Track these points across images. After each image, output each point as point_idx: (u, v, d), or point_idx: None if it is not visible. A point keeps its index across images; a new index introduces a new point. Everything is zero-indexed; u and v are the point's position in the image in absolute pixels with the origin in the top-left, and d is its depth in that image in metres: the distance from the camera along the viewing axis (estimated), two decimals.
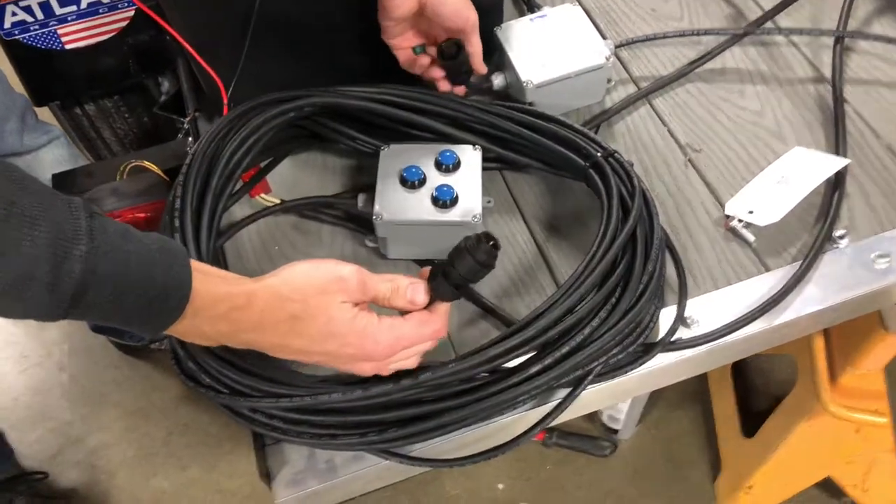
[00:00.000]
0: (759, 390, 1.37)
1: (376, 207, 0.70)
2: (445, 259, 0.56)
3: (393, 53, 0.76)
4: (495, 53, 0.83)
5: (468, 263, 0.55)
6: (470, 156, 0.74)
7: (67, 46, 0.86)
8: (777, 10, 0.87)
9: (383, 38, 0.74)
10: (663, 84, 0.84)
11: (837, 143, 0.78)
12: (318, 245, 0.75)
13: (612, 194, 0.69)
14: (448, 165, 0.73)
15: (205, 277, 0.49)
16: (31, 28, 0.84)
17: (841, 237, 0.71)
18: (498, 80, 0.83)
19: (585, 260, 0.64)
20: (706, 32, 0.85)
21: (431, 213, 0.70)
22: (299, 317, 0.51)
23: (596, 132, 0.81)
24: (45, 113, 1.01)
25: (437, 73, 0.77)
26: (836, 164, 0.74)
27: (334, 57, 0.79)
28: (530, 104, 0.80)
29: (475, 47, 0.74)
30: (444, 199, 0.70)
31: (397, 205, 0.70)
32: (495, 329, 0.68)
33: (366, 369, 0.55)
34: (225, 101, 0.76)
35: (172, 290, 0.47)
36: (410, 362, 0.56)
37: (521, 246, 0.75)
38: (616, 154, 0.72)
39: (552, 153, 0.75)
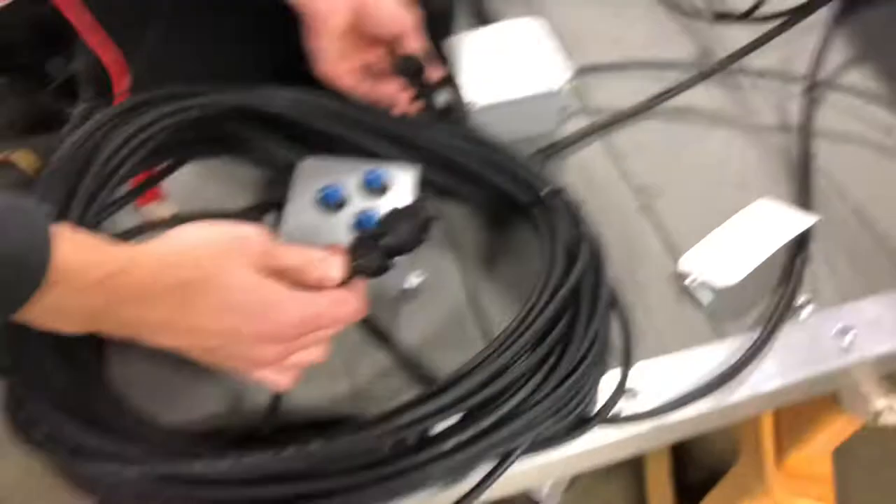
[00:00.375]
0: (696, 461, 1.30)
1: (283, 230, 0.60)
2: (371, 230, 0.52)
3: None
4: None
5: (406, 227, 0.51)
6: (402, 178, 0.65)
7: None
8: (746, 50, 0.80)
9: (318, 71, 0.62)
10: (623, 118, 0.76)
11: (804, 199, 0.71)
12: None
13: (557, 238, 0.61)
14: (376, 187, 0.63)
15: (71, 239, 0.39)
16: None
17: (803, 306, 0.64)
18: (441, 98, 0.74)
19: (522, 312, 0.56)
20: (671, 66, 0.78)
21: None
22: (191, 284, 0.41)
23: (545, 164, 0.73)
24: None
25: (386, 89, 0.65)
26: (802, 221, 0.67)
27: (267, 47, 0.68)
28: (474, 127, 0.71)
29: (413, 49, 0.64)
30: (366, 228, 0.60)
31: (309, 229, 0.60)
32: (410, 386, 0.58)
33: (268, 355, 0.45)
34: (118, 89, 0.65)
35: (27, 253, 0.37)
36: (317, 352, 0.48)
37: (450, 288, 0.65)
38: (564, 192, 0.64)
39: (492, 184, 0.66)
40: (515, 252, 0.68)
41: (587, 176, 0.73)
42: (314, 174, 0.64)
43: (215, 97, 0.60)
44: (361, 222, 0.61)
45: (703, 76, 0.79)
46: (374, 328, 0.61)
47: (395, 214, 0.53)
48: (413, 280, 0.64)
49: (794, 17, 0.74)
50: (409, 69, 0.64)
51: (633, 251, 0.68)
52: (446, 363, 0.59)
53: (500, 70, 0.71)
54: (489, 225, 0.69)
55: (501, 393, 0.52)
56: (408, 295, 0.64)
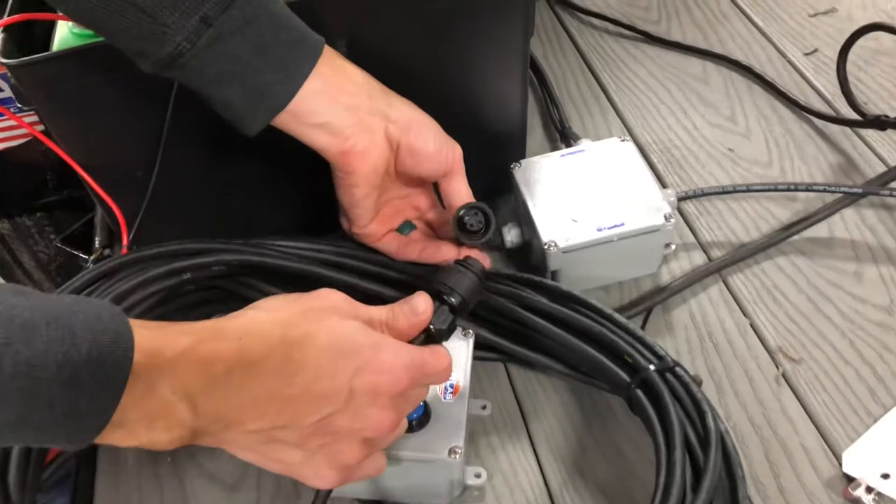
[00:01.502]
0: None
1: None
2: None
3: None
4: (512, 198, 0.61)
5: (466, 280, 0.46)
6: (455, 345, 0.51)
7: None
8: None
9: (355, 235, 0.52)
10: (745, 255, 0.60)
11: None
12: (227, 459, 0.52)
13: (674, 437, 0.45)
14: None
15: (144, 324, 0.33)
16: None
17: None
18: (511, 236, 0.60)
19: None
20: (808, 188, 0.62)
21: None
22: (293, 339, 0.36)
23: (646, 320, 0.57)
24: None
25: (446, 252, 0.52)
26: None
27: (270, 200, 0.58)
28: (553, 274, 0.57)
29: (459, 192, 0.51)
30: (410, 420, 0.46)
31: None
32: None
33: (381, 420, 0.38)
34: (125, 241, 0.55)
35: (108, 344, 0.30)
36: (413, 403, 0.42)
37: (525, 491, 0.49)
38: (678, 368, 0.48)
39: (580, 357, 0.51)
40: (615, 445, 0.51)
41: (703, 333, 0.57)
42: None
43: (217, 256, 0.48)
44: None
45: (852, 198, 0.62)
46: None
47: (449, 271, 0.47)
48: (474, 477, 0.49)
49: None
50: (473, 227, 0.51)
51: (774, 442, 0.50)
52: None
53: (584, 203, 0.57)
54: (578, 401, 0.54)
55: None
56: (470, 497, 0.49)
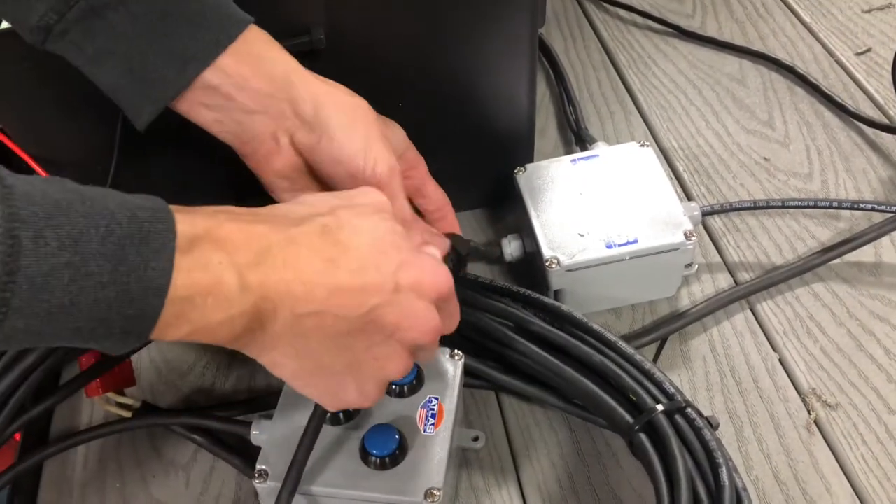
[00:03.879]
0: None
1: (261, 456, 0.41)
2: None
3: None
4: (515, 209, 0.54)
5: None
6: (441, 368, 0.45)
7: None
8: None
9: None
10: (777, 280, 0.53)
11: None
12: (182, 488, 0.47)
13: (680, 492, 0.38)
14: (401, 386, 0.44)
15: (177, 208, 0.30)
16: None
17: None
18: (511, 248, 0.54)
19: None
20: (853, 205, 0.54)
21: (356, 478, 0.40)
22: (336, 227, 0.34)
23: (660, 350, 0.50)
24: None
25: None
26: None
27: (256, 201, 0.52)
28: (556, 293, 0.50)
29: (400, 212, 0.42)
30: (380, 456, 0.40)
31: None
32: None
33: (431, 320, 0.35)
34: None
35: (148, 221, 0.28)
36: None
37: None
38: (689, 410, 0.41)
39: (578, 391, 0.44)
40: (613, 496, 0.45)
41: (725, 368, 0.50)
42: None
43: None
44: (370, 448, 0.41)
45: None
46: None
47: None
48: None
49: None
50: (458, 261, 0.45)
51: (804, 501, 0.43)
52: None
53: (594, 215, 0.51)
54: (574, 439, 0.47)
55: None
56: None
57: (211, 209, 0.31)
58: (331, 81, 0.41)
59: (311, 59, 0.46)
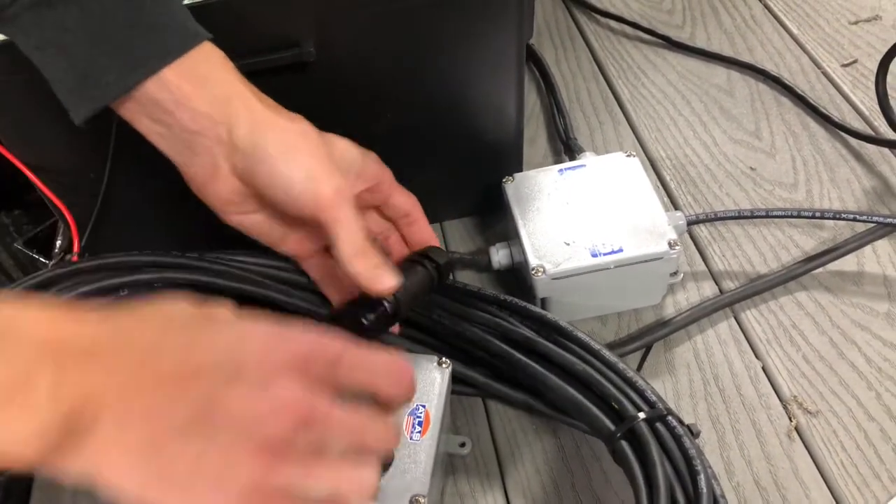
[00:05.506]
0: None
1: None
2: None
3: None
4: (503, 218, 0.55)
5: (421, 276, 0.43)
6: (429, 376, 0.45)
7: None
8: None
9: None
10: (761, 289, 0.54)
11: None
12: None
13: (658, 496, 0.39)
14: None
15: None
16: None
17: None
18: (499, 257, 0.55)
19: None
20: (836, 215, 0.55)
21: None
22: (158, 315, 0.29)
23: (644, 358, 0.51)
24: None
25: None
26: None
27: None
28: (543, 301, 0.51)
29: (342, 245, 0.39)
30: None
31: None
32: None
33: (293, 404, 0.28)
34: (76, 248, 0.51)
35: None
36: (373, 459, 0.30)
37: None
38: (670, 417, 0.42)
39: (562, 398, 0.45)
40: (597, 497, 0.46)
41: (708, 375, 0.51)
42: None
43: (159, 273, 0.44)
44: None
45: (885, 229, 0.55)
46: None
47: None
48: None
49: None
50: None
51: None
52: None
53: (580, 225, 0.51)
54: (559, 444, 0.48)
55: None
56: None
57: (34, 302, 0.28)
58: (276, 106, 0.40)
59: (301, 71, 0.47)
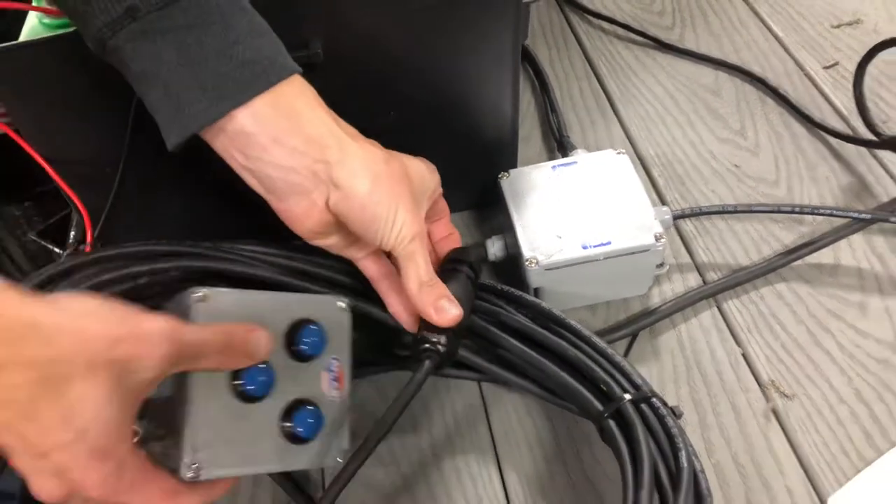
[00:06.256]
0: None
1: (184, 453, 0.38)
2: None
3: None
4: (498, 211, 0.58)
5: (465, 282, 0.47)
6: (337, 323, 0.46)
7: None
8: None
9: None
10: (742, 280, 0.57)
11: None
12: None
13: (643, 470, 0.42)
14: (303, 351, 0.43)
15: None
16: None
17: None
18: (495, 249, 0.58)
19: None
20: (813, 212, 0.58)
21: (283, 455, 0.42)
22: (53, 382, 0.31)
23: (632, 344, 0.54)
24: None
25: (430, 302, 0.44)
26: None
27: (247, 199, 0.55)
28: (536, 291, 0.54)
29: (408, 282, 0.44)
30: (306, 437, 0.42)
31: (222, 441, 0.39)
32: None
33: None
34: (89, 239, 0.54)
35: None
36: None
37: None
38: (654, 399, 0.45)
39: (554, 381, 0.48)
40: (585, 477, 0.49)
41: (691, 361, 0.54)
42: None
43: (176, 261, 0.46)
44: (295, 427, 0.42)
45: (862, 224, 0.58)
46: None
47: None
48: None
49: None
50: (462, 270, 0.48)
51: (757, 481, 0.47)
52: None
53: (571, 218, 0.54)
54: (551, 425, 0.51)
55: None
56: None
57: None
58: (360, 137, 0.43)
59: (310, 71, 0.49)
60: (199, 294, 0.39)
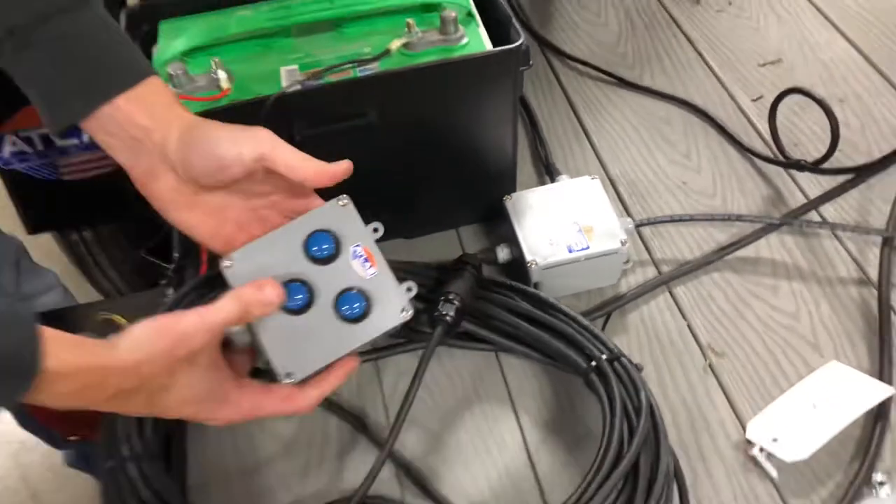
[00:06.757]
0: None
1: (276, 369, 0.53)
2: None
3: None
4: (504, 225, 0.77)
5: (469, 275, 0.67)
6: (345, 218, 0.56)
7: (65, 178, 0.84)
8: (821, 199, 0.79)
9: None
10: (687, 271, 0.76)
11: (882, 363, 0.68)
12: None
13: (615, 408, 0.61)
14: (320, 253, 0.55)
15: (56, 343, 0.44)
16: (30, 158, 0.82)
17: (881, 483, 0.61)
18: (503, 254, 0.76)
19: (580, 487, 0.56)
20: (738, 218, 0.78)
21: (350, 336, 0.54)
22: (155, 392, 0.49)
23: (607, 320, 0.73)
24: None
25: None
26: (878, 391, 0.64)
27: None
28: (536, 284, 0.73)
29: (283, 153, 0.53)
30: (358, 315, 0.54)
31: (298, 348, 0.54)
32: None
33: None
34: (203, 257, 0.71)
35: (17, 362, 0.42)
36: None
37: (510, 449, 0.66)
38: (623, 358, 0.64)
39: (551, 348, 0.67)
40: (577, 414, 0.68)
41: (650, 331, 0.73)
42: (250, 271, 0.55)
43: None
44: (347, 314, 0.54)
45: (774, 226, 0.78)
46: (420, 482, 0.63)
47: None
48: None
49: (861, 174, 0.72)
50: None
51: (698, 415, 0.67)
52: None
53: (560, 229, 0.73)
54: (552, 385, 0.70)
55: None
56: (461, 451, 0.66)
57: (77, 361, 0.44)
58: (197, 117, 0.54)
59: (368, 132, 0.68)
60: (227, 264, 0.54)
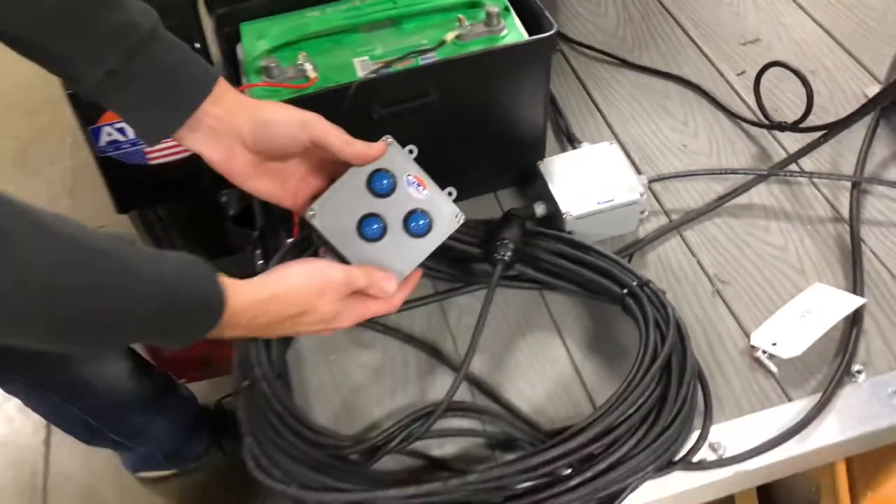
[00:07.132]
0: None
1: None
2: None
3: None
4: (537, 184, 0.91)
5: (518, 225, 0.82)
6: (395, 156, 0.68)
7: (151, 163, 0.96)
8: (800, 153, 0.94)
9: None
10: (693, 217, 0.91)
11: (855, 282, 0.84)
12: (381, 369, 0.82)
13: (649, 322, 0.75)
14: (382, 189, 0.68)
15: (232, 283, 0.57)
16: (123, 146, 0.94)
17: (859, 372, 0.76)
18: (540, 209, 0.91)
19: (626, 381, 0.70)
20: (733, 172, 0.93)
21: (421, 247, 0.69)
22: (299, 316, 0.62)
23: (629, 261, 0.88)
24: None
25: None
26: (853, 302, 0.80)
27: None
28: (569, 232, 0.87)
29: (332, 139, 0.64)
30: (423, 231, 0.69)
31: (387, 264, 0.67)
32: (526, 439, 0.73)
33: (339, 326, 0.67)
34: (295, 220, 0.84)
35: (204, 310, 0.56)
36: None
37: (559, 365, 0.80)
38: (650, 283, 0.79)
39: (590, 281, 0.81)
40: (612, 334, 0.82)
41: (666, 268, 0.88)
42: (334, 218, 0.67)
43: None
44: (414, 231, 0.68)
45: (762, 178, 0.93)
46: (491, 393, 0.78)
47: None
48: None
49: (831, 131, 0.88)
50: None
51: (711, 330, 0.82)
52: (557, 425, 0.74)
53: (587, 186, 0.88)
54: (590, 313, 0.85)
55: (613, 444, 0.66)
56: (518, 368, 0.80)
57: (246, 299, 0.58)
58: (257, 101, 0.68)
59: (429, 111, 0.82)
60: (311, 213, 0.66)
